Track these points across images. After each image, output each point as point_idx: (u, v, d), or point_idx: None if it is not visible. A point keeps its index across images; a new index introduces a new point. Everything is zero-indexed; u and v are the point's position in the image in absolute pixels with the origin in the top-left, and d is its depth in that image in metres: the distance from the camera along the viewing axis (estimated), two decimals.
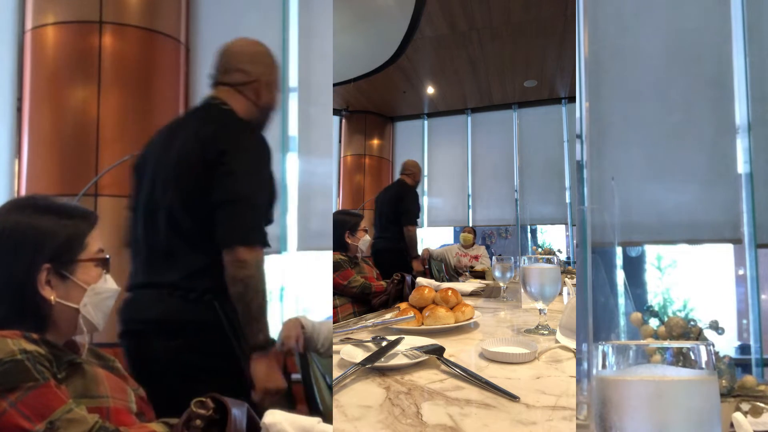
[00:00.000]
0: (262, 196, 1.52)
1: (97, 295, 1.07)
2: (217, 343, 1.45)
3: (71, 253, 1.04)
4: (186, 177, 1.49)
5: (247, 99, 1.65)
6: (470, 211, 7.26)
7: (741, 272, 3.53)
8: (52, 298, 1.01)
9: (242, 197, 1.47)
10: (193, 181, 1.48)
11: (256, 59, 1.69)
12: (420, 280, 2.62)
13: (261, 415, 0.86)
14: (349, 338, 1.32)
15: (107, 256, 1.10)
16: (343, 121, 7.30)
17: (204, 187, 1.46)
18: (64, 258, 1.03)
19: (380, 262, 4.16)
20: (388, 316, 1.67)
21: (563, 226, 7.26)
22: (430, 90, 6.98)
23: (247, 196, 1.47)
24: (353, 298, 2.67)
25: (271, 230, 1.61)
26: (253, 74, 1.66)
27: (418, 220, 4.54)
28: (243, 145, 1.53)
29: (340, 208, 6.80)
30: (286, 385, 1.51)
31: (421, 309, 1.52)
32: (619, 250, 3.30)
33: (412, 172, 4.50)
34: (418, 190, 4.60)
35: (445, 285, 2.13)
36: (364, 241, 2.82)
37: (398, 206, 4.29)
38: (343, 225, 2.79)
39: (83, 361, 1.00)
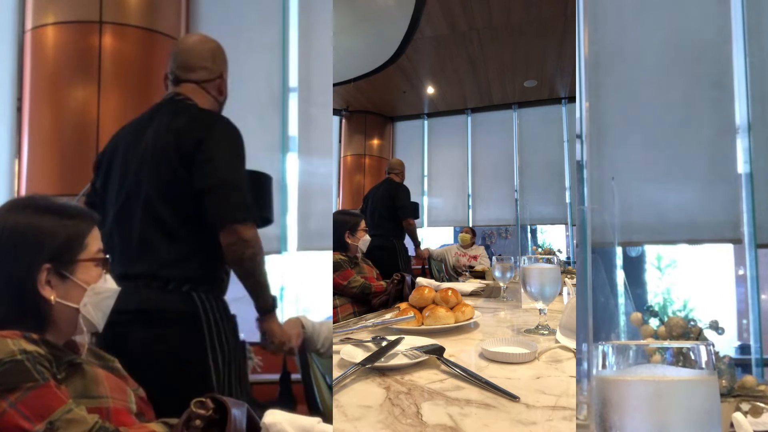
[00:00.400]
0: (243, 179, 1.56)
1: (97, 294, 1.07)
2: (193, 333, 1.47)
3: (71, 253, 1.04)
4: (162, 169, 1.52)
5: (209, 95, 1.69)
6: (470, 211, 7.25)
7: (741, 272, 3.53)
8: (52, 298, 1.01)
9: (228, 180, 1.51)
10: (171, 171, 1.51)
11: (216, 56, 1.73)
12: (420, 280, 2.61)
13: (261, 416, 0.86)
14: (349, 338, 1.32)
15: (107, 257, 1.11)
16: (343, 121, 7.30)
17: (182, 177, 1.50)
18: (64, 258, 1.03)
19: (374, 259, 4.21)
20: (388, 316, 1.67)
21: (563, 226, 7.26)
22: (430, 90, 6.98)
23: (232, 179, 1.52)
24: (353, 298, 2.67)
25: (271, 230, 1.63)
26: (215, 71, 1.71)
27: (418, 219, 4.57)
28: (217, 133, 1.56)
29: (340, 208, 6.80)
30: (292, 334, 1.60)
31: (421, 309, 1.52)
32: (619, 250, 3.30)
33: (400, 171, 4.57)
34: (410, 187, 4.65)
35: (445, 285, 2.12)
36: (364, 241, 2.81)
37: (392, 203, 4.35)
38: (343, 225, 2.78)
39: (83, 361, 1.00)
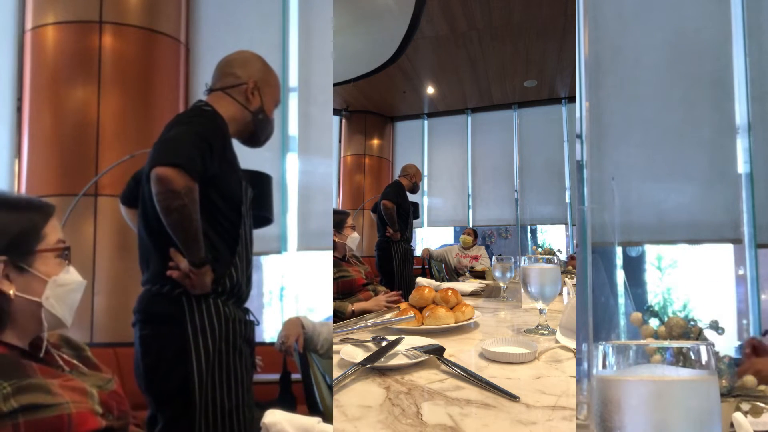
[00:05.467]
0: (183, 137, 1.47)
1: (60, 287, 1.03)
2: (175, 335, 1.48)
3: (27, 243, 1.01)
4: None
5: (235, 101, 1.65)
6: (470, 211, 7.26)
7: (741, 272, 3.53)
8: (11, 292, 0.98)
9: (163, 138, 1.47)
10: None
11: (248, 64, 1.70)
12: (420, 280, 2.61)
13: (261, 416, 0.85)
14: (349, 338, 1.32)
15: (67, 246, 1.06)
16: (343, 121, 7.30)
17: None
18: (21, 249, 1.00)
19: (378, 258, 4.26)
20: (388, 316, 1.66)
21: (563, 226, 7.26)
22: (430, 90, 6.98)
23: (168, 136, 1.47)
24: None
25: (271, 230, 1.61)
26: (243, 77, 1.66)
27: (418, 218, 4.55)
28: (183, 118, 1.55)
29: (340, 208, 6.80)
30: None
31: (421, 309, 1.52)
32: (619, 250, 3.30)
33: (408, 173, 4.55)
34: (418, 191, 4.65)
35: (445, 285, 2.12)
36: (352, 238, 2.78)
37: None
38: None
39: (30, 375, 0.96)
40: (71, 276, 1.05)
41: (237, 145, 1.69)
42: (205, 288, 1.49)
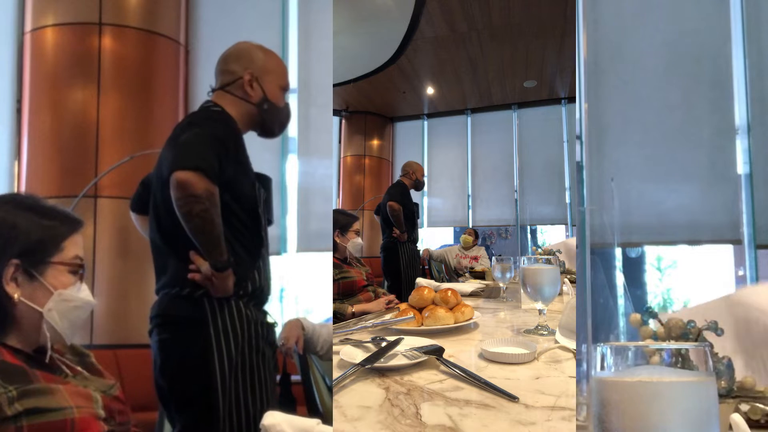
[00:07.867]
0: (200, 139, 1.46)
1: (65, 302, 1.02)
2: (198, 338, 1.45)
3: (44, 253, 1.00)
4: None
5: (237, 98, 1.63)
6: (470, 211, 7.25)
7: (741, 272, 3.53)
8: (15, 296, 0.97)
9: (181, 141, 1.45)
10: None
11: (241, 57, 1.66)
12: (420, 280, 2.61)
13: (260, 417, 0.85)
14: (348, 339, 1.32)
15: (82, 264, 1.06)
16: (343, 121, 7.30)
17: None
18: (35, 257, 1.00)
19: (384, 259, 4.25)
20: (387, 316, 1.67)
21: (563, 226, 7.25)
22: (430, 90, 6.98)
23: (185, 139, 1.45)
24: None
25: (271, 231, 1.60)
26: (237, 72, 1.63)
27: (419, 219, 4.54)
28: (195, 120, 1.54)
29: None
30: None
31: (420, 309, 1.52)
32: (618, 251, 3.30)
33: (407, 172, 4.54)
34: (423, 187, 4.66)
35: (445, 285, 2.12)
36: (353, 243, 2.78)
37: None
38: (335, 224, 2.77)
39: (33, 380, 0.95)
40: (80, 294, 1.05)
41: None
42: (228, 291, 1.47)
